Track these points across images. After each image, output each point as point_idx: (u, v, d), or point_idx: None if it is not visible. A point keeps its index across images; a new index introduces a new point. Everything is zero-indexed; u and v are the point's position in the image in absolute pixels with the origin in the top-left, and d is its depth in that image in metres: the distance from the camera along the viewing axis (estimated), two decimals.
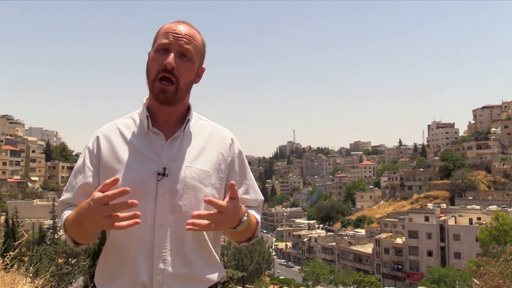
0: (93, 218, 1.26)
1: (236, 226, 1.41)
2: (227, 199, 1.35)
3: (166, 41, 1.46)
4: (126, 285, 1.40)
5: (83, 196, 1.48)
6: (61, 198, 1.55)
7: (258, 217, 1.60)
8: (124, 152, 1.48)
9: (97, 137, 1.53)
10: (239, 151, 1.63)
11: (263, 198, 1.69)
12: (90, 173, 1.50)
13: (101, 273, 1.49)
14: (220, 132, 1.61)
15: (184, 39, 1.46)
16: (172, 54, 1.44)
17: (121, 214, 1.25)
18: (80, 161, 1.54)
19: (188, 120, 1.54)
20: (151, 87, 1.48)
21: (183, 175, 1.44)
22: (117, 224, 1.25)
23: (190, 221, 1.31)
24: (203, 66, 1.58)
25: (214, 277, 1.51)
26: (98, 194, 1.24)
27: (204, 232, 1.49)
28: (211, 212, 1.33)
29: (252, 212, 1.57)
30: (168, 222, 1.41)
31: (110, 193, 1.23)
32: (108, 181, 1.26)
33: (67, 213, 1.46)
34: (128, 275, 1.41)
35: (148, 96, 1.57)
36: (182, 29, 1.48)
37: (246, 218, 1.42)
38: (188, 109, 1.58)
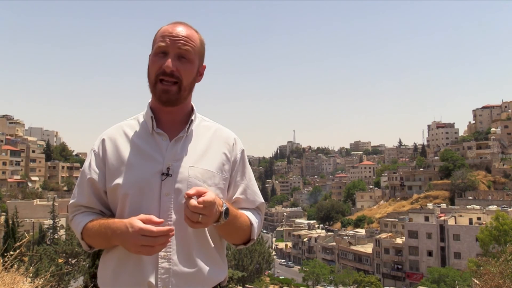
0: (126, 242, 1.32)
1: (217, 220, 1.37)
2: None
3: (163, 44, 1.48)
4: (131, 284, 1.41)
5: (94, 197, 1.52)
6: (72, 201, 1.56)
7: (254, 218, 1.58)
8: (128, 153, 1.50)
9: (103, 140, 1.56)
10: (241, 151, 1.64)
11: (263, 201, 1.67)
12: (96, 175, 1.52)
13: (104, 273, 1.49)
14: (224, 133, 1.63)
15: (181, 41, 1.48)
16: (170, 57, 1.46)
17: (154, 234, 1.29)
18: (86, 163, 1.56)
19: (191, 120, 1.56)
20: (152, 89, 1.51)
21: (186, 175, 1.46)
22: (148, 253, 1.31)
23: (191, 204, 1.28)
24: (204, 64, 1.60)
25: (218, 277, 1.52)
26: (139, 224, 1.28)
27: (207, 232, 1.50)
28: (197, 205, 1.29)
29: (246, 212, 1.56)
30: (172, 221, 1.42)
31: (155, 230, 1.27)
32: (155, 219, 1.30)
33: (83, 221, 1.49)
34: (133, 274, 1.41)
35: (151, 98, 1.59)
36: (179, 31, 1.49)
37: (225, 209, 1.37)
38: (191, 110, 1.60)
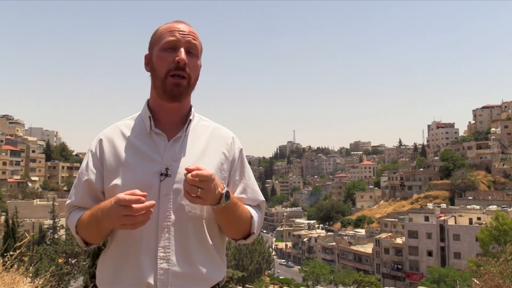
0: (110, 217, 1.30)
1: (218, 202, 1.37)
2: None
3: (173, 38, 1.47)
4: (130, 285, 1.40)
5: (90, 197, 1.51)
6: (68, 201, 1.56)
7: (254, 212, 1.57)
8: (127, 154, 1.49)
9: (100, 140, 1.54)
10: (240, 150, 1.64)
11: (263, 199, 1.66)
12: (93, 175, 1.51)
13: (103, 273, 1.49)
14: (222, 132, 1.62)
15: (190, 36, 1.49)
16: (182, 50, 1.46)
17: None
18: (83, 164, 1.55)
19: (190, 120, 1.55)
20: (161, 84, 1.48)
21: None
22: (131, 225, 1.29)
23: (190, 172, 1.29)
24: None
25: (217, 277, 1.51)
26: (121, 195, 1.27)
27: (206, 231, 1.50)
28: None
29: (246, 206, 1.56)
30: (171, 222, 1.42)
31: (128, 198, 1.25)
32: (137, 192, 1.27)
33: (78, 215, 1.49)
34: (131, 275, 1.40)
35: (149, 97, 1.58)
36: (184, 27, 1.51)
37: (225, 191, 1.38)
38: (189, 109, 1.59)
